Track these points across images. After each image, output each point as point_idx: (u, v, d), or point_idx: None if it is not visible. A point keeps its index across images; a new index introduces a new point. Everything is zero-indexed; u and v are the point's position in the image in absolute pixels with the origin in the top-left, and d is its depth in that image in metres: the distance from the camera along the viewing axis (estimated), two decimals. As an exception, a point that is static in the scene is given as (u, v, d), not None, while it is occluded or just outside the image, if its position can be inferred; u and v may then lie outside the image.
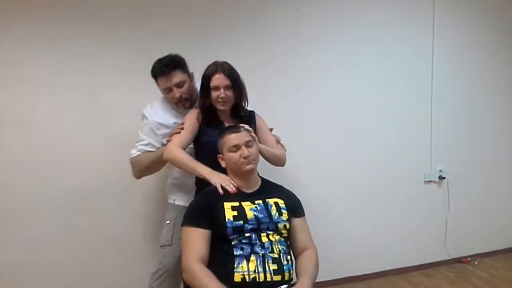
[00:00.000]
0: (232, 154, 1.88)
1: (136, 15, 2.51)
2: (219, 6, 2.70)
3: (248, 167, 1.87)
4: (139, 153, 2.19)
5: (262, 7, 2.81)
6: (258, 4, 2.80)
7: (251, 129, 2.00)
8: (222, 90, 2.04)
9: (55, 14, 2.40)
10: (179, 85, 2.14)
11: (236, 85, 2.08)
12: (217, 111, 2.14)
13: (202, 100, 2.12)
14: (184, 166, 2.03)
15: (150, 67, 2.14)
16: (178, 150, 2.03)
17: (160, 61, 2.14)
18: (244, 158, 1.85)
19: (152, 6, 2.52)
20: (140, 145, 2.20)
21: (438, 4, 3.23)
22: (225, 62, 2.10)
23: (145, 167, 2.20)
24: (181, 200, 2.31)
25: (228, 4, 2.73)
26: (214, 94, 2.06)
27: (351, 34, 3.03)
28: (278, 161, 2.19)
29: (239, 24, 2.76)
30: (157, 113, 2.22)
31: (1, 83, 2.36)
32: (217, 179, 1.90)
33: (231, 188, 1.86)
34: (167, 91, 2.14)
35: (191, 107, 2.22)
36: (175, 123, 2.18)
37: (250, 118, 2.23)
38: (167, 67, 2.11)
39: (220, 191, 1.85)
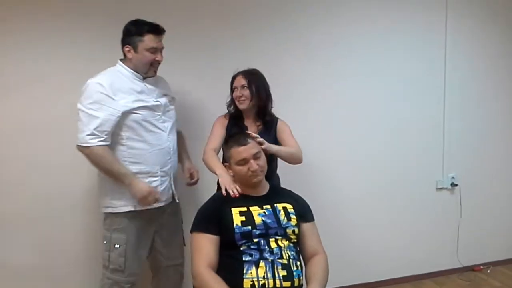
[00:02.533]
0: (240, 167, 1.87)
1: (147, 19, 2.53)
2: (229, 14, 2.72)
3: (256, 179, 1.88)
4: (102, 143, 1.94)
5: (273, 14, 2.81)
6: (269, 11, 2.81)
7: (258, 137, 1.99)
8: (239, 89, 2.21)
9: (66, 16, 2.42)
10: (162, 50, 2.12)
11: (254, 86, 2.22)
12: (242, 113, 2.28)
13: (230, 102, 2.33)
14: (207, 166, 2.16)
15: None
16: (209, 152, 2.17)
17: (151, 22, 2.07)
18: (253, 171, 1.85)
19: (162, 12, 2.55)
20: (98, 128, 1.93)
21: (451, 9, 3.21)
22: (252, 68, 2.30)
23: (103, 170, 2.01)
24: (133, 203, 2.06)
25: (239, 12, 2.74)
26: (234, 94, 2.26)
27: (363, 40, 3.02)
28: (293, 159, 2.24)
29: (250, 32, 2.78)
30: (112, 78, 2.03)
31: (12, 85, 2.37)
32: (223, 181, 1.95)
33: (233, 192, 1.87)
34: (151, 51, 2.05)
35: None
36: (131, 89, 2.05)
37: (272, 123, 2.32)
38: (161, 29, 2.09)
39: (224, 192, 1.88)
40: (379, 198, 3.13)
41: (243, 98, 2.22)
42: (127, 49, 2.07)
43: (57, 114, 2.44)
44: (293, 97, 2.87)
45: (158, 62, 2.12)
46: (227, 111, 2.35)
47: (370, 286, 3.13)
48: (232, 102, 2.30)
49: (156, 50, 2.07)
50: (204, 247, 1.75)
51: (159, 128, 2.11)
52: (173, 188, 2.23)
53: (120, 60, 2.13)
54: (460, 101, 3.30)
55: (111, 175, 2.01)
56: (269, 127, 2.29)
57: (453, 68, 3.25)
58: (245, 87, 2.21)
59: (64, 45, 2.44)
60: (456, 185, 3.32)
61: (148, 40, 2.04)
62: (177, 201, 2.27)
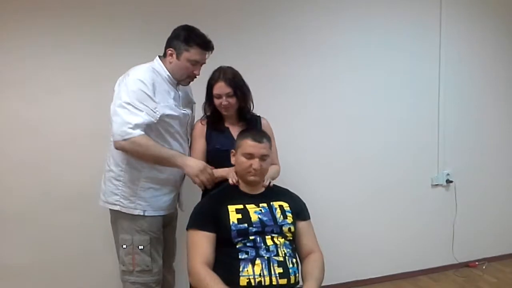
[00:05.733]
0: (244, 159, 1.87)
1: (143, 16, 2.52)
2: (226, 12, 2.72)
3: (251, 178, 1.87)
4: (143, 133, 1.86)
5: (269, 12, 2.81)
6: (265, 9, 2.81)
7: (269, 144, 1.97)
8: (224, 97, 2.10)
9: (59, 14, 2.40)
10: (202, 65, 2.08)
11: (239, 91, 2.12)
12: (222, 115, 2.19)
13: (207, 105, 2.20)
14: None
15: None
16: None
17: (203, 35, 2.03)
18: (254, 169, 1.85)
19: (159, 8, 2.54)
20: (138, 124, 1.85)
21: (445, 7, 3.23)
22: (228, 68, 2.15)
23: (152, 158, 1.92)
24: (154, 208, 2.04)
25: (235, 10, 2.74)
26: (217, 101, 2.13)
27: (358, 39, 3.03)
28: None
29: (246, 30, 2.77)
30: (153, 78, 1.97)
31: (4, 84, 2.35)
32: (222, 172, 1.97)
33: (232, 180, 1.91)
34: (192, 63, 2.01)
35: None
36: (167, 93, 2.02)
37: (256, 123, 2.27)
38: (211, 46, 2.05)
39: (231, 182, 1.92)
40: (374, 195, 3.14)
41: (228, 106, 2.12)
42: (169, 51, 2.02)
43: (53, 113, 2.43)
44: (286, 95, 2.87)
45: (195, 76, 2.08)
46: (203, 115, 2.24)
47: (366, 283, 3.14)
48: (210, 105, 2.19)
49: (197, 63, 2.04)
50: (201, 244, 1.75)
51: (184, 140, 2.12)
52: (181, 198, 2.23)
53: (159, 57, 2.08)
54: (454, 98, 3.32)
55: (161, 161, 1.95)
56: (253, 125, 2.21)
57: (447, 65, 3.27)
58: (231, 95, 2.10)
59: (61, 44, 2.42)
60: (451, 181, 3.33)
61: (194, 52, 2.00)
62: (177, 211, 2.27)
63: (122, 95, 1.88)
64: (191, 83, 2.17)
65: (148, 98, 1.89)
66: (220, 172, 2.00)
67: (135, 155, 1.92)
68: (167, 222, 2.20)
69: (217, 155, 2.02)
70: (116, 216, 2.05)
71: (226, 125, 2.21)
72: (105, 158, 2.09)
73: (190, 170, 1.95)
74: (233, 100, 2.11)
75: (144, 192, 2.01)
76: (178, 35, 2.02)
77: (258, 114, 2.31)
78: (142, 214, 2.01)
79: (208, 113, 2.22)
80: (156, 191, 2.03)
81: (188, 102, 2.21)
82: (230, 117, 2.20)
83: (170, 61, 2.03)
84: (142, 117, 1.86)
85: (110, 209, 2.07)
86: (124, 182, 2.01)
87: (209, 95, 2.16)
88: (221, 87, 2.09)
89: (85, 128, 2.46)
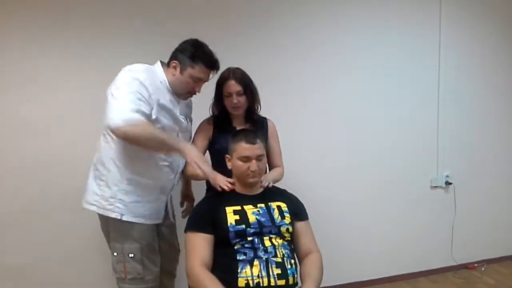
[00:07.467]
0: (240, 163, 1.87)
1: (144, 17, 2.53)
2: (225, 12, 2.72)
3: (252, 180, 1.88)
4: (142, 118, 1.76)
5: (268, 14, 2.82)
6: (265, 11, 2.81)
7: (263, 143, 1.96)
8: (234, 96, 2.12)
9: (57, 14, 2.41)
10: (204, 82, 2.04)
11: (248, 90, 2.15)
12: (230, 116, 2.21)
13: (216, 105, 2.22)
14: (193, 178, 2.15)
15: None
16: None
17: (211, 53, 1.99)
18: (252, 171, 1.85)
19: (160, 10, 2.55)
20: (137, 106, 1.76)
21: (444, 7, 3.24)
22: (237, 68, 2.18)
23: (155, 143, 1.80)
24: (133, 213, 1.93)
25: (234, 12, 2.74)
26: (227, 100, 2.15)
27: (359, 40, 3.03)
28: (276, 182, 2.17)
29: (246, 32, 2.78)
30: (151, 77, 1.89)
31: (4, 85, 2.36)
32: (220, 179, 1.91)
33: (227, 187, 1.88)
34: (195, 80, 1.96)
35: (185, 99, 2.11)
36: (162, 96, 1.93)
37: (262, 124, 2.29)
38: (217, 66, 2.01)
39: (219, 189, 1.88)
40: (373, 197, 3.15)
41: (238, 105, 2.14)
42: (174, 64, 1.97)
43: (53, 113, 2.43)
44: (286, 96, 2.87)
45: (195, 92, 2.04)
46: (210, 115, 2.25)
47: (365, 284, 3.14)
48: (218, 104, 2.20)
49: (200, 81, 1.99)
50: (199, 246, 1.75)
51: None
52: (169, 207, 2.16)
53: (161, 63, 2.02)
54: (454, 99, 3.32)
55: (164, 146, 1.85)
56: (259, 127, 2.24)
57: (447, 66, 3.28)
58: (241, 94, 2.12)
59: (60, 45, 2.43)
60: (451, 183, 3.34)
61: (199, 70, 1.96)
62: (172, 220, 2.20)
63: (120, 86, 1.80)
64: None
65: (145, 91, 1.82)
66: (208, 171, 1.90)
67: (136, 141, 1.78)
68: (164, 231, 2.15)
69: (226, 153, 2.00)
70: (106, 223, 1.98)
71: (234, 125, 2.22)
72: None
73: (190, 153, 1.86)
74: (243, 99, 2.14)
75: (124, 195, 1.91)
76: (185, 50, 1.97)
77: (264, 116, 2.33)
78: (119, 218, 1.91)
79: (215, 113, 2.24)
80: (138, 196, 1.94)
81: (186, 113, 2.13)
82: (238, 117, 2.23)
83: (173, 73, 1.98)
84: (142, 106, 1.79)
85: (99, 215, 1.98)
86: (106, 182, 1.92)
87: (218, 95, 2.18)
88: (232, 85, 2.11)
89: (85, 128, 2.45)
